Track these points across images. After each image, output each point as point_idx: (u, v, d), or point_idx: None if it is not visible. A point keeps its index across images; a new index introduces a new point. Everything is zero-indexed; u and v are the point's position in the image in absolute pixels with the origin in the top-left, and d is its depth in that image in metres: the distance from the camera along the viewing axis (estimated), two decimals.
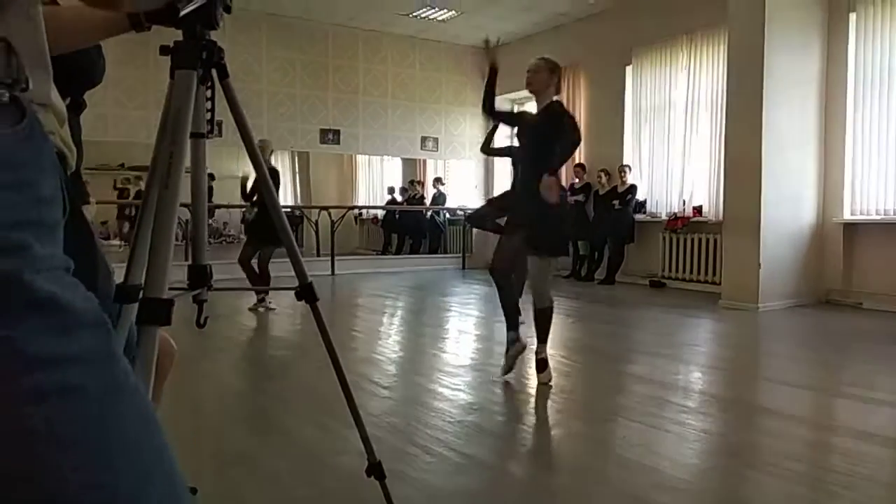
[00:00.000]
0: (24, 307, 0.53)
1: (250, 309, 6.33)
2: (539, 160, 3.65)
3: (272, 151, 6.85)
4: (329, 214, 10.25)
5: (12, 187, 0.55)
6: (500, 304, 3.87)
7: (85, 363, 0.56)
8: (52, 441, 0.53)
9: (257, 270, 6.24)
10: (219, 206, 12.78)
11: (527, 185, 3.68)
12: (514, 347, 3.78)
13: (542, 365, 3.72)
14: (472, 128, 11.58)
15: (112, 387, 0.59)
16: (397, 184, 13.09)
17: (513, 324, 3.80)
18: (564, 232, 4.00)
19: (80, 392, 0.56)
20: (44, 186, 0.58)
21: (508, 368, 3.83)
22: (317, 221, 10.39)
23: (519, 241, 3.71)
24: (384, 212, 12.94)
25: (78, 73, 1.53)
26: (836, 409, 3.44)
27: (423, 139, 11.30)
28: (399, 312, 7.01)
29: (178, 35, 1.29)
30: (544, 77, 3.75)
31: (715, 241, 7.72)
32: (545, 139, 3.66)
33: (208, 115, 1.38)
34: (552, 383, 3.67)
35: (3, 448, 0.53)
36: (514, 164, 4.00)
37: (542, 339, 3.75)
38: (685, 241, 8.19)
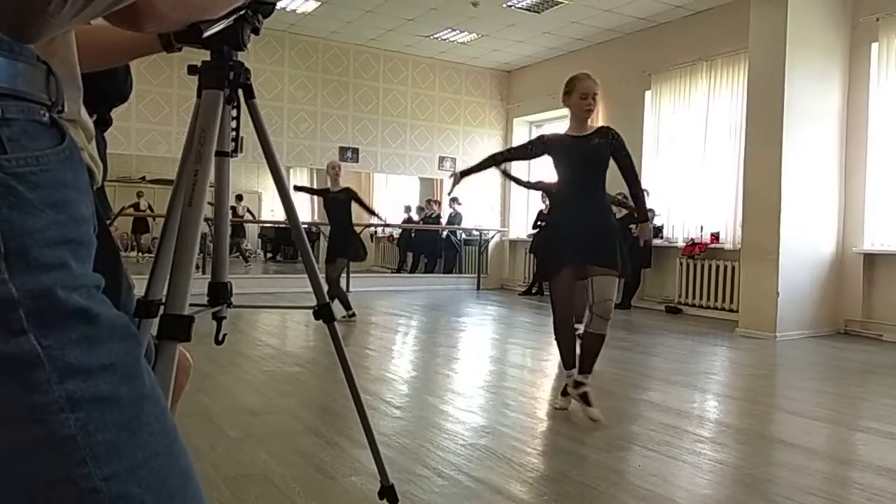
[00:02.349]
0: (59, 319, 0.54)
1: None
2: (598, 183, 3.65)
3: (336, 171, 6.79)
4: None
5: (56, 206, 0.56)
6: (555, 342, 3.69)
7: (116, 373, 0.58)
8: (87, 448, 0.54)
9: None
10: (244, 222, 12.94)
11: (586, 209, 3.59)
12: (579, 390, 3.55)
13: (588, 398, 3.51)
14: (489, 148, 11.62)
15: (141, 398, 0.60)
16: (414, 203, 13.14)
17: (573, 362, 3.62)
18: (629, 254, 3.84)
19: (113, 401, 0.57)
20: (82, 206, 0.60)
21: (566, 406, 3.67)
22: None
23: (570, 273, 3.54)
24: (400, 230, 12.97)
25: (107, 90, 1.55)
26: (855, 444, 3.38)
27: (441, 159, 11.35)
28: (412, 332, 7.00)
29: (204, 54, 1.31)
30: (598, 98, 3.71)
31: (732, 268, 7.66)
32: (604, 161, 3.66)
33: (233, 135, 1.40)
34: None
35: (38, 455, 0.53)
36: (556, 192, 3.83)
37: (590, 368, 3.56)
38: (702, 267, 8.14)
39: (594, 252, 3.51)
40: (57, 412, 0.53)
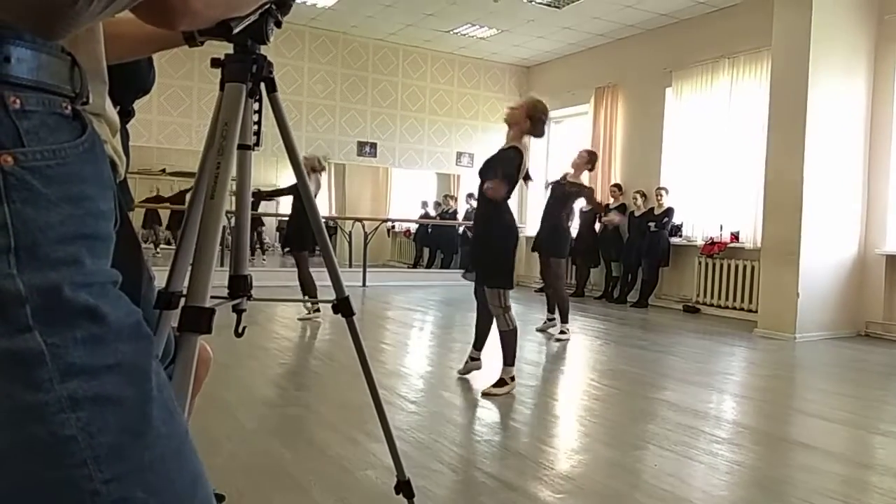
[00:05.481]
0: (65, 317, 0.54)
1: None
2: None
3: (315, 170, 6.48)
4: (363, 226, 10.32)
5: (72, 200, 0.55)
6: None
7: (122, 375, 0.56)
8: (88, 450, 0.53)
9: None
10: (262, 215, 13.00)
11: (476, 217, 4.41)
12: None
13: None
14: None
15: (148, 400, 0.58)
16: (431, 198, 13.13)
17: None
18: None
19: (116, 402, 0.56)
20: (101, 200, 0.58)
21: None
22: (350, 233, 10.47)
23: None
24: (417, 225, 12.98)
25: (130, 82, 1.56)
26: (874, 447, 3.34)
27: (459, 154, 11.33)
28: (428, 327, 7.00)
29: (226, 47, 1.31)
30: (517, 115, 4.27)
31: (752, 267, 7.58)
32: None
33: (255, 128, 1.40)
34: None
35: (38, 455, 0.53)
36: None
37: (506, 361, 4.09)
38: (721, 266, 8.06)
39: (473, 263, 4.19)
40: (58, 412, 0.52)
